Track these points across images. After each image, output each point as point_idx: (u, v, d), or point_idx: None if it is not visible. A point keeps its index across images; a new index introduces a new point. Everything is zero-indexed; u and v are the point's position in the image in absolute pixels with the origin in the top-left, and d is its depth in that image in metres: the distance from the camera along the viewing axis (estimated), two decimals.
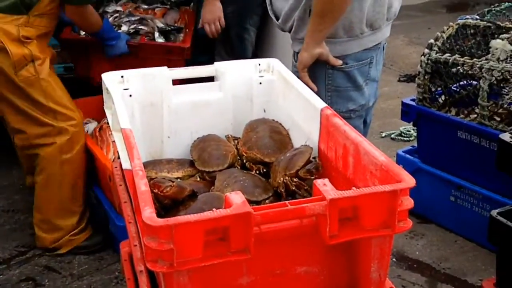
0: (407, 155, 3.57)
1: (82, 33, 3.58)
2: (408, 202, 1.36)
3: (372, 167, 1.47)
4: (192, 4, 4.02)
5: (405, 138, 4.57)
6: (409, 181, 1.35)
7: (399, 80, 5.78)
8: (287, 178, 1.70)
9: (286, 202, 1.33)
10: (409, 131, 4.55)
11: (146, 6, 3.99)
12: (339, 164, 1.65)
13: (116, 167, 1.99)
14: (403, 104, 3.43)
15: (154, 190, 1.60)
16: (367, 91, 2.39)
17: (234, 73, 2.07)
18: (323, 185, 1.35)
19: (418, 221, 3.50)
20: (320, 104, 1.76)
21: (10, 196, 3.79)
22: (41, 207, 3.19)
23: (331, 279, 1.47)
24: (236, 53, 3.53)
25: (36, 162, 3.14)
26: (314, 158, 1.77)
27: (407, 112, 3.41)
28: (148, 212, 1.24)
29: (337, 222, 1.32)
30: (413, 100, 3.39)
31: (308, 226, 1.34)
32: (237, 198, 1.29)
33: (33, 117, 3.03)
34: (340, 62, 2.30)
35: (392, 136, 4.63)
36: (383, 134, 4.67)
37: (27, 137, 3.10)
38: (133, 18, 3.75)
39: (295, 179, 1.69)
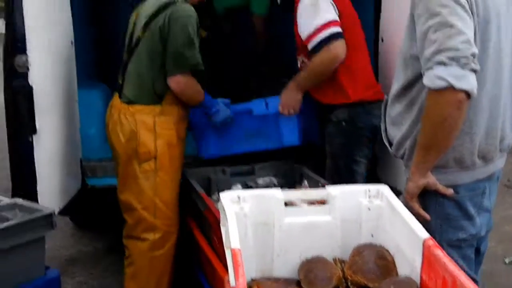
0: None
1: None
2: None
3: None
4: None
5: None
6: None
7: None
8: None
9: None
10: None
11: None
12: None
13: (228, 282, 2.10)
14: None
15: None
16: (479, 221, 2.37)
17: (344, 197, 2.15)
18: None
19: None
20: (424, 234, 1.81)
21: None
22: None
23: None
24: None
25: (127, 253, 3.29)
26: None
27: None
28: None
29: None
30: None
31: None
32: None
33: (133, 208, 3.18)
34: (451, 191, 2.30)
35: None
36: (507, 260, 4.48)
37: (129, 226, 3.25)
38: None
39: None
